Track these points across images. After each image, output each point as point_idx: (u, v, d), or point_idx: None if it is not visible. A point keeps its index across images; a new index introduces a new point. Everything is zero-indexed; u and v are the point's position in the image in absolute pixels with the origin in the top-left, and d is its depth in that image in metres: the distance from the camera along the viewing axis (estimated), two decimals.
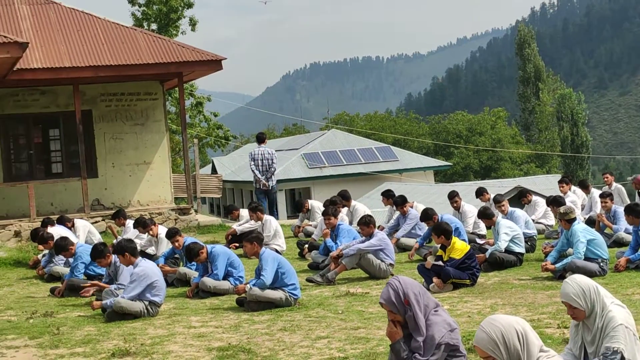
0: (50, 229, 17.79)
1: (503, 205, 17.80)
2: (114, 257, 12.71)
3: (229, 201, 68.78)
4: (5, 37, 20.03)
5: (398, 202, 18.59)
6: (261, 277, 12.05)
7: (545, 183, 52.52)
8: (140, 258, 12.62)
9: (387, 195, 20.56)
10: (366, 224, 14.68)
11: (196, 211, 27.04)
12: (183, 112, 26.91)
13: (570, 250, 13.57)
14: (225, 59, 25.38)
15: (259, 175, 23.91)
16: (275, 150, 68.92)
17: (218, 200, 69.00)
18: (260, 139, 24.73)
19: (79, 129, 24.55)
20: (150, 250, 17.72)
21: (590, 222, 18.47)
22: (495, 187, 46.20)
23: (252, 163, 24.09)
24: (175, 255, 16.10)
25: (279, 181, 57.72)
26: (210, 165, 73.08)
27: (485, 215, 15.53)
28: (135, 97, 26.95)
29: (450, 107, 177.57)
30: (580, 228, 13.47)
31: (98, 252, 13.04)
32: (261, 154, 23.99)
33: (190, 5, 52.16)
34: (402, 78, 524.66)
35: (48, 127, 27.15)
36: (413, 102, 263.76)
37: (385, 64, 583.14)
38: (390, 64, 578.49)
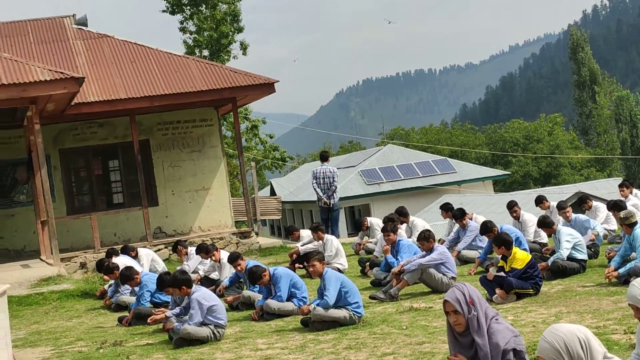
0: (114, 259, 18.07)
1: (567, 212, 17.73)
2: (193, 287, 12.80)
3: (289, 222, 69.05)
4: (62, 73, 20.42)
5: (457, 215, 18.59)
6: (325, 296, 12.15)
7: (607, 187, 51.95)
8: (195, 286, 12.78)
9: (446, 208, 20.57)
10: (426, 239, 14.72)
11: (257, 234, 27.24)
12: (239, 136, 27.17)
13: (633, 254, 13.48)
14: (278, 81, 25.63)
15: (321, 194, 24.04)
16: None
17: (278, 221, 69.34)
18: (324, 158, 24.88)
19: (138, 158, 24.92)
20: (214, 275, 17.90)
21: None
22: (556, 193, 45.86)
23: (314, 181, 24.25)
24: (240, 280, 16.25)
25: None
26: (269, 187, 73.47)
27: (544, 224, 15.48)
28: (190, 124, 27.31)
29: (506, 116, 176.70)
30: None
31: (162, 282, 13.19)
32: (323, 172, 24.12)
33: (240, 30, 52.58)
34: (455, 89, 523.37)
35: (107, 158, 27.63)
36: (468, 112, 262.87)
37: (438, 76, 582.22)
38: (443, 76, 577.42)
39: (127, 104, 24.32)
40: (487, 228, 15.80)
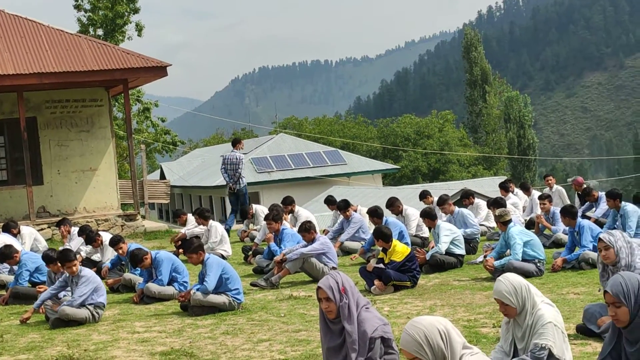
0: None
1: (449, 205, 18.05)
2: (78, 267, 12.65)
3: (177, 206, 68.66)
4: None
5: (341, 206, 18.81)
6: (205, 282, 12.21)
7: (492, 185, 52.96)
8: (79, 266, 12.70)
9: (330, 202, 20.88)
10: (307, 230, 14.89)
11: (143, 217, 27.09)
12: (129, 118, 26.92)
13: (508, 251, 13.89)
14: (170, 65, 25.49)
15: (227, 179, 24.04)
16: (223, 156, 68.72)
17: (167, 205, 68.89)
18: (233, 143, 24.74)
19: (24, 136, 24.48)
20: (96, 257, 17.76)
21: (531, 223, 18.87)
22: (443, 189, 46.55)
23: (222, 167, 24.17)
24: (122, 262, 16.16)
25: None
26: (159, 170, 72.91)
27: (428, 215, 15.77)
28: (80, 103, 26.93)
29: (399, 110, 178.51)
30: (516, 230, 13.81)
31: (49, 258, 13.00)
32: (229, 159, 24.02)
33: (136, 11, 51.91)
34: (351, 82, 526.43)
35: None
36: (362, 105, 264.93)
37: (334, 68, 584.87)
38: (339, 68, 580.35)
39: (14, 80, 23.85)
40: (378, 213, 16.24)
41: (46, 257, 13.35)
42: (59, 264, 12.80)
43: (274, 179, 59.76)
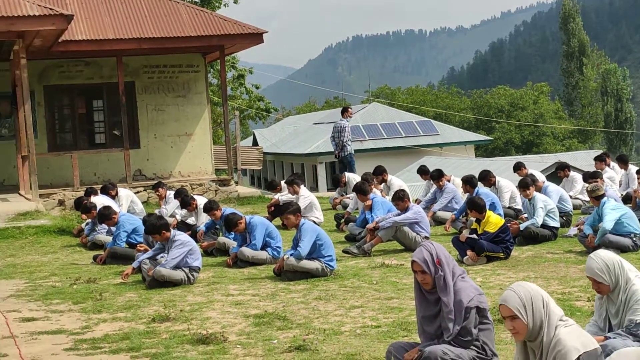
0: (93, 198, 18.18)
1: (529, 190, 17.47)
2: (172, 232, 12.90)
3: (269, 173, 69.25)
4: (51, 9, 20.38)
5: (434, 175, 18.77)
6: (299, 248, 12.33)
7: (587, 159, 52.17)
8: (174, 230, 12.98)
9: (423, 171, 20.90)
10: (400, 199, 14.88)
11: (236, 183, 27.37)
12: (224, 84, 27.21)
13: (601, 224, 13.69)
14: (267, 32, 25.67)
15: (334, 146, 24.85)
16: (316, 124, 68.86)
17: (259, 172, 69.48)
18: (342, 111, 25.59)
19: (122, 100, 24.94)
20: (190, 220, 18.05)
21: (628, 198, 18.53)
22: (537, 162, 46.14)
23: (331, 134, 25.30)
24: (216, 226, 16.40)
25: (320, 154, 58.29)
26: (252, 137, 73.50)
27: (526, 185, 15.54)
28: (177, 69, 27.33)
29: (493, 82, 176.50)
30: (610, 205, 13.58)
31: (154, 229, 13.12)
32: (336, 127, 25.01)
33: None
34: (445, 52, 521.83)
35: (91, 98, 27.66)
36: (455, 76, 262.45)
37: (428, 37, 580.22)
38: (433, 37, 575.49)
39: (114, 45, 24.31)
40: (472, 182, 16.29)
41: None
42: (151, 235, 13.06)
43: (366, 148, 59.76)
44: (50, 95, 26.82)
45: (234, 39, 25.35)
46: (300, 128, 73.38)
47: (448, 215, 17.65)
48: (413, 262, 7.01)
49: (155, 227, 12.78)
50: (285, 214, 12.79)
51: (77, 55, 25.49)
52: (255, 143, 66.52)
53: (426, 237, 14.65)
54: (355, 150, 60.41)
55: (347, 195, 21.77)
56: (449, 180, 19.03)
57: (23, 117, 22.27)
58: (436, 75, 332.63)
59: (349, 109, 26.14)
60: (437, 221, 17.88)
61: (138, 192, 24.41)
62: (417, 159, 55.46)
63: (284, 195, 20.20)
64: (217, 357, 8.26)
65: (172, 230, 12.94)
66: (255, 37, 25.55)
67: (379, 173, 20.83)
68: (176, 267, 12.35)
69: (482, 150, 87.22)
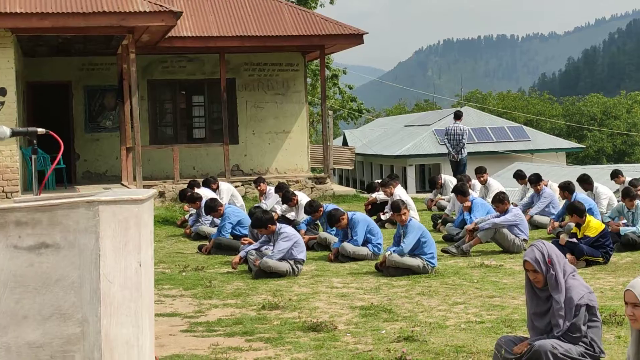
0: (196, 191, 18.73)
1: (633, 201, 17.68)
2: (277, 225, 13.34)
3: (358, 174, 69.57)
4: (161, 5, 21.00)
5: (532, 180, 18.90)
6: (402, 244, 12.65)
7: None
8: (279, 224, 13.42)
9: (519, 176, 21.07)
10: (500, 201, 15.09)
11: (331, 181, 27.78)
12: (323, 84, 27.62)
13: None
14: (367, 33, 26.05)
15: (450, 149, 25.39)
16: (406, 126, 68.83)
17: (347, 172, 69.84)
18: (457, 116, 26.41)
19: (223, 96, 25.52)
20: (290, 215, 18.46)
21: None
22: (629, 171, 45.57)
23: (446, 137, 25.82)
24: (316, 222, 16.77)
25: (409, 156, 58.46)
26: (342, 137, 73.95)
27: (629, 194, 15.60)
28: (277, 67, 27.87)
29: (585, 89, 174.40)
30: None
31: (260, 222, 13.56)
32: (453, 130, 25.55)
33: None
34: (536, 57, 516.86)
35: (192, 93, 28.34)
36: (547, 82, 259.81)
37: (519, 43, 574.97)
38: (525, 43, 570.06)
39: (218, 42, 24.90)
40: (570, 188, 16.49)
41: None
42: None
43: (448, 151, 59.61)
44: (153, 89, 27.58)
45: (334, 39, 25.76)
46: (390, 130, 73.57)
47: (545, 219, 17.77)
48: (525, 261, 7.25)
49: (262, 221, 13.23)
50: (403, 209, 13.06)
51: (181, 51, 26.18)
52: (345, 143, 66.91)
53: (524, 240, 14.83)
54: (445, 153, 60.52)
55: (442, 197, 22.03)
56: (546, 185, 19.16)
57: (129, 110, 22.99)
58: (527, 81, 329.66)
59: (462, 114, 26.99)
60: (534, 225, 17.99)
61: (236, 186, 24.88)
62: (507, 165, 55.24)
63: (381, 194, 20.52)
64: (328, 343, 8.62)
65: (277, 224, 13.37)
66: (355, 38, 25.93)
67: (480, 173, 21.12)
68: (282, 259, 12.77)
69: (573, 158, 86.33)
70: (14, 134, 5.11)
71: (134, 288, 4.17)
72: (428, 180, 23.86)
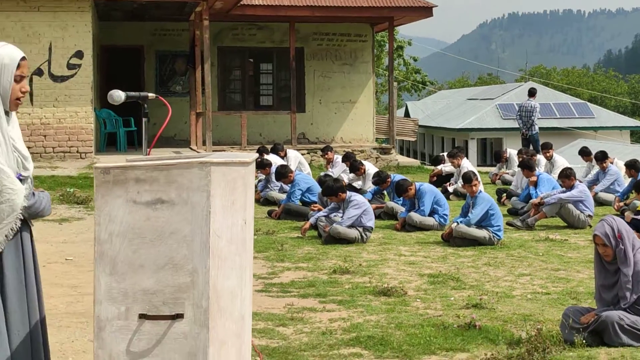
0: (265, 157, 19.11)
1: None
2: (347, 193, 13.69)
3: (419, 146, 69.60)
4: None
5: (599, 157, 19.00)
6: (470, 215, 12.93)
7: None
8: (348, 192, 13.77)
9: (585, 153, 21.18)
10: (567, 177, 15.26)
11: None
12: (391, 55, 27.98)
13: None
14: (436, 6, 26.22)
15: (521, 125, 26.01)
16: (469, 99, 68.42)
17: (408, 144, 69.92)
18: (530, 93, 26.67)
19: (292, 64, 25.87)
20: (357, 184, 18.76)
21: None
22: None
23: (518, 114, 26.38)
24: (383, 192, 17.07)
25: (472, 129, 58.40)
26: (404, 109, 73.97)
27: None
28: (345, 37, 28.15)
29: None
30: None
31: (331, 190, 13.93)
32: (525, 107, 25.95)
33: None
34: (602, 34, 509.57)
35: (261, 61, 28.73)
36: (612, 59, 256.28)
37: (586, 18, 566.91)
38: (592, 19, 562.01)
39: (288, 11, 25.25)
40: (636, 166, 16.62)
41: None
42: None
43: (519, 126, 59.45)
44: (222, 56, 28.03)
45: (404, 11, 25.98)
46: (453, 102, 73.41)
47: (610, 196, 17.87)
48: (595, 235, 7.50)
49: (332, 189, 13.59)
50: (474, 180, 13.37)
51: (251, 19, 26.58)
52: (407, 115, 66.93)
53: (589, 216, 15.00)
54: (507, 128, 60.26)
55: (507, 171, 22.19)
56: (612, 162, 19.24)
57: (200, 76, 23.41)
58: (592, 57, 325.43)
59: (536, 91, 27.29)
60: (599, 202, 18.08)
61: (302, 154, 25.29)
62: (570, 141, 54.90)
63: (446, 167, 20.75)
64: (399, 308, 8.96)
65: (347, 192, 13.71)
66: (424, 11, 26.14)
67: (546, 148, 21.26)
68: (351, 226, 13.12)
69: (637, 136, 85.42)
70: (128, 98, 5.47)
71: (240, 243, 4.51)
72: (493, 154, 24.03)
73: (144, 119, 5.54)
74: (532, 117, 25.56)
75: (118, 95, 5.47)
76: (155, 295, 4.25)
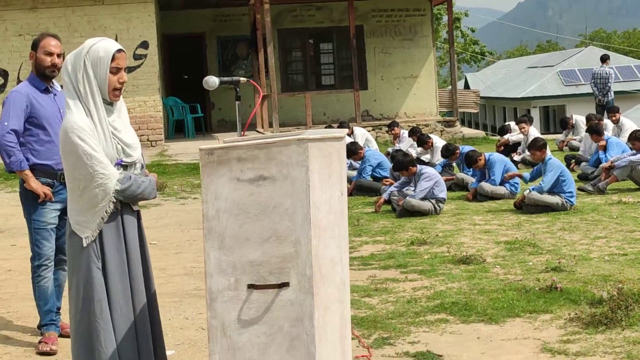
0: None
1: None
2: (418, 167, 13.93)
3: (480, 117, 69.33)
4: None
5: None
6: (541, 182, 13.07)
7: None
8: (419, 165, 13.99)
9: None
10: (637, 139, 15.26)
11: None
12: (451, 28, 27.97)
13: None
14: None
15: (596, 92, 25.97)
16: (529, 67, 67.78)
17: (470, 116, 69.69)
18: (603, 59, 26.74)
19: (353, 43, 26.03)
20: (425, 157, 18.94)
21: None
22: None
23: (592, 81, 26.29)
24: (452, 164, 17.25)
25: (533, 98, 58.04)
26: (463, 81, 73.69)
27: None
28: (404, 12, 28.27)
29: None
30: None
31: (402, 165, 14.18)
32: (599, 73, 25.97)
33: None
34: None
35: (320, 40, 28.97)
36: None
37: None
38: None
39: None
40: None
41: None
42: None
43: (582, 93, 58.94)
44: (283, 38, 28.32)
45: None
46: (513, 72, 72.94)
47: None
48: None
49: (403, 163, 13.83)
50: (532, 150, 13.52)
51: (309, 0, 26.80)
52: (466, 86, 66.68)
53: None
54: (570, 95, 59.76)
55: (574, 137, 22.19)
56: None
57: (263, 59, 23.71)
58: None
59: (609, 57, 27.22)
60: None
61: (367, 131, 25.54)
62: (633, 105, 54.34)
63: (513, 136, 20.84)
64: (480, 274, 9.17)
65: (417, 165, 13.93)
66: None
67: (613, 112, 21.23)
68: (424, 198, 13.34)
69: None
70: (222, 83, 5.75)
71: (337, 214, 4.77)
72: (557, 121, 24.00)
73: (237, 102, 5.80)
74: (608, 84, 25.61)
75: (213, 81, 5.75)
76: (261, 266, 4.52)
